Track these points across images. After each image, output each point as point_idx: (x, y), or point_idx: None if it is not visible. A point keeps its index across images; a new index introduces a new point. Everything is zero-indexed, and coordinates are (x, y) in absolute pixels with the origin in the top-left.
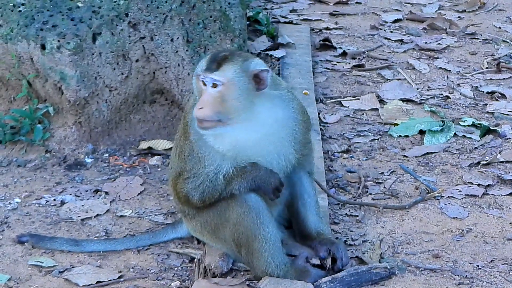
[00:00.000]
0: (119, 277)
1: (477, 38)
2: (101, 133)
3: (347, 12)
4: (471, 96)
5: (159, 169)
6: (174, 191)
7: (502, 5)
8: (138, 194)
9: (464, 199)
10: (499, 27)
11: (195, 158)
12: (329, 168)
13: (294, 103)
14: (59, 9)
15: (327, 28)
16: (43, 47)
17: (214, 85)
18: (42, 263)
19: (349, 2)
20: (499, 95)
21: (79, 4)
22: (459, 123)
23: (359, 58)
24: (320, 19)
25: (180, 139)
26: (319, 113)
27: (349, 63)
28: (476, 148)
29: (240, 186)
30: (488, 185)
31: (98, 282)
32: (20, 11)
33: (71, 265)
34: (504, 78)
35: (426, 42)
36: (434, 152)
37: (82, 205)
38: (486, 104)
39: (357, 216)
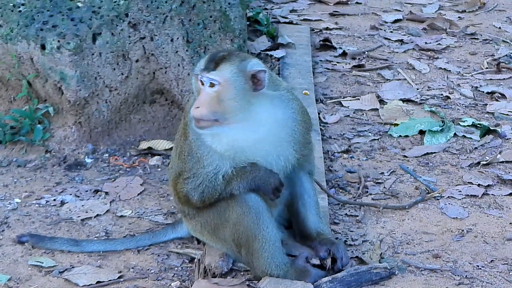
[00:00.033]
0: (119, 277)
1: (477, 38)
2: (101, 133)
3: (347, 12)
4: (471, 96)
5: (159, 169)
6: (174, 191)
7: (502, 5)
8: (138, 194)
9: (464, 199)
10: (499, 27)
11: (194, 158)
12: (329, 168)
13: (294, 104)
14: (59, 9)
15: (327, 28)
16: (43, 47)
17: (212, 85)
18: (42, 263)
19: (349, 2)
20: (499, 95)
21: (79, 4)
22: (459, 123)
23: (359, 58)
24: (320, 19)
25: (180, 139)
26: (319, 113)
27: (349, 63)
28: (476, 148)
29: (240, 186)
30: (488, 185)
31: (98, 282)
32: (20, 11)
33: (71, 265)
34: (504, 78)
35: (426, 42)
36: (434, 152)
37: (82, 205)
38: (486, 104)
39: (357, 216)
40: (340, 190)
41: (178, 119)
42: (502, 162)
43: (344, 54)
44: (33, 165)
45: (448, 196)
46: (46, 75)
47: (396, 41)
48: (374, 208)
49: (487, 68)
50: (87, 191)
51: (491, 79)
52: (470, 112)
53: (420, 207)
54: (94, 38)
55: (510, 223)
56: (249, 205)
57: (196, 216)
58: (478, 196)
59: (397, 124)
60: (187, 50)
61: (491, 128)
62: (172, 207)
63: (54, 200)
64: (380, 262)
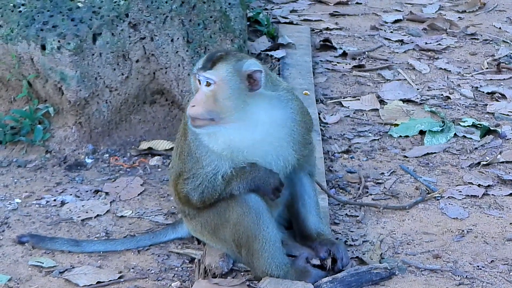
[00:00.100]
0: (119, 278)
1: (477, 39)
2: (101, 133)
3: (347, 13)
4: (471, 97)
5: (159, 169)
6: (175, 191)
7: (502, 5)
8: (138, 194)
9: (464, 200)
10: (499, 28)
11: (194, 159)
12: (330, 168)
13: (293, 104)
14: (59, 10)
15: (327, 29)
16: (43, 47)
17: (208, 84)
18: (43, 263)
19: (349, 3)
20: (499, 95)
21: (80, 4)
22: (459, 124)
23: (359, 59)
24: (321, 20)
25: (180, 139)
26: (319, 114)
27: (349, 64)
28: (476, 148)
29: (240, 186)
30: (488, 186)
31: (98, 282)
32: (20, 11)
33: (71, 266)
34: (504, 79)
35: (426, 43)
36: (434, 153)
37: (83, 206)
38: (486, 105)
39: (357, 216)
40: (341, 191)
41: (178, 119)
42: (502, 162)
43: (344, 54)
44: (33, 165)
45: (448, 197)
46: (47, 75)
47: (396, 41)
48: (374, 209)
49: (487, 68)
50: (87, 191)
51: (491, 79)
52: (470, 113)
53: (420, 208)
54: (95, 38)
55: (510, 224)
56: (249, 205)
57: (197, 216)
58: (478, 196)
59: (397, 125)
60: (187, 51)
61: (491, 128)
62: (172, 207)
63: (55, 200)
64: (380, 263)
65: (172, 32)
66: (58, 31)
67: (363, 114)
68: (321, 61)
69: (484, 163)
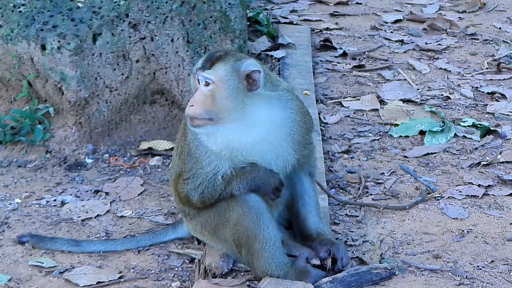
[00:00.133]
0: (120, 278)
1: (477, 39)
2: (101, 133)
3: (348, 13)
4: (472, 97)
5: (160, 169)
6: (175, 191)
7: (503, 5)
8: (139, 194)
9: (465, 200)
10: (500, 28)
11: (194, 159)
12: (330, 168)
13: (293, 104)
14: (60, 10)
15: (327, 29)
16: (43, 47)
17: (206, 84)
18: (43, 263)
19: (349, 3)
20: (500, 95)
21: (80, 4)
22: (460, 124)
23: (359, 59)
24: (321, 20)
25: (180, 139)
26: (319, 114)
27: (350, 64)
28: (476, 148)
29: (240, 186)
30: (489, 186)
31: (98, 282)
32: (20, 11)
33: (71, 266)
34: (504, 79)
35: (426, 43)
36: (435, 153)
37: (83, 206)
38: (486, 105)
39: (358, 216)
40: (341, 191)
41: (178, 119)
42: (503, 162)
43: (344, 54)
44: (33, 165)
45: (449, 197)
46: (47, 75)
47: (396, 41)
48: (374, 209)
49: (487, 68)
50: (87, 191)
51: (491, 79)
52: (470, 113)
53: (421, 208)
54: (95, 39)
55: (510, 224)
56: (250, 205)
57: (197, 216)
58: (478, 196)
59: (397, 125)
60: (187, 51)
61: (492, 128)
62: (172, 207)
63: (55, 200)
64: (380, 263)
65: (172, 32)
66: (58, 31)
67: (363, 114)
68: (321, 61)
69: (484, 163)
